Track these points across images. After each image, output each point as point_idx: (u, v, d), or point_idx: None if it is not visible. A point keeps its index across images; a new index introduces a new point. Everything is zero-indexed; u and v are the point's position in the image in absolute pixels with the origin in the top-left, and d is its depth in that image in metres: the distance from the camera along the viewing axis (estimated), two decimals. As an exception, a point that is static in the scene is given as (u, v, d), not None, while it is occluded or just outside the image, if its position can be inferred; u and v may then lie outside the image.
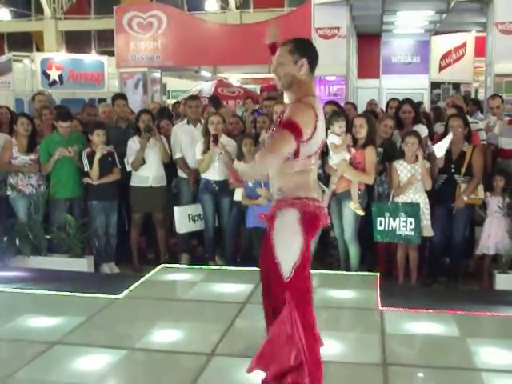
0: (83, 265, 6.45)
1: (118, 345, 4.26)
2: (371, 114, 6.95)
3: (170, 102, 14.40)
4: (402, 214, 5.81)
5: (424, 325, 4.66)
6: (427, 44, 15.59)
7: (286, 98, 3.43)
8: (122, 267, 6.80)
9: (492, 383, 3.70)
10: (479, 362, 3.99)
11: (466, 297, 5.51)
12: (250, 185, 6.10)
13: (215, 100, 9.08)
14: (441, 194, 5.95)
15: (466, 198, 5.88)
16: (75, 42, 24.32)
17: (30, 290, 5.55)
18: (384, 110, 8.15)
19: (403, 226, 5.82)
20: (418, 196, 5.89)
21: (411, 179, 5.87)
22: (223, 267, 6.47)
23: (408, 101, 6.76)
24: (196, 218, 6.71)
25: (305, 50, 3.30)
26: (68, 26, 24.20)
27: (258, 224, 6.14)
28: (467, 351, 4.18)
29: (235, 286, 5.65)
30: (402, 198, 5.91)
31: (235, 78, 16.66)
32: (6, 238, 6.49)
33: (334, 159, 5.92)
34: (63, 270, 6.32)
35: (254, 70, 15.11)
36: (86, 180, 6.49)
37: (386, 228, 5.86)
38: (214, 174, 6.52)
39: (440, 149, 5.85)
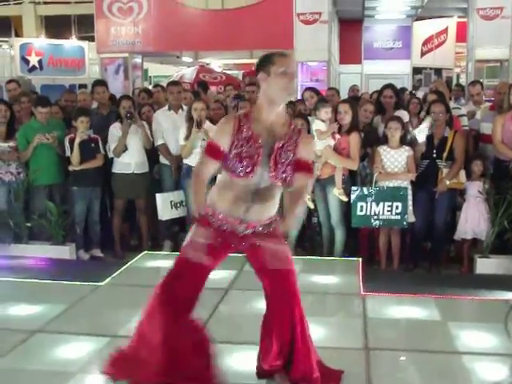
0: (65, 252, 6.40)
1: (100, 332, 4.24)
2: (354, 99, 6.95)
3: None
4: (388, 198, 5.82)
5: (406, 309, 4.70)
6: (409, 29, 15.62)
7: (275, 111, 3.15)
8: (104, 254, 6.77)
9: (473, 366, 3.73)
10: (460, 346, 4.04)
11: (447, 281, 5.56)
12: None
13: (203, 85, 9.02)
14: (423, 179, 5.97)
15: (448, 183, 5.91)
16: (55, 27, 23.95)
17: (12, 278, 5.50)
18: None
19: (388, 211, 5.83)
20: (400, 181, 5.92)
21: (403, 176, 5.89)
22: (206, 254, 6.45)
23: (389, 86, 6.76)
24: (178, 205, 6.68)
25: None
26: (47, 10, 23.80)
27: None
28: (448, 335, 4.22)
29: (218, 272, 5.55)
30: (385, 183, 5.93)
31: (217, 63, 16.58)
32: (-14, 226, 6.43)
33: (319, 145, 5.92)
34: (45, 257, 6.28)
35: (235, 55, 15.03)
36: (71, 167, 6.43)
37: (368, 213, 5.87)
38: (195, 160, 6.47)
39: (421, 133, 5.88)
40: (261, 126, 3.18)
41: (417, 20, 15.35)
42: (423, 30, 15.62)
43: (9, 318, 4.55)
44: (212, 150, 3.23)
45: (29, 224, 6.56)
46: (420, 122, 6.35)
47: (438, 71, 15.58)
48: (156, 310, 3.26)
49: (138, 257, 6.17)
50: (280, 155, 3.17)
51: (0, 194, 6.50)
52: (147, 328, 3.29)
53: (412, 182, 5.96)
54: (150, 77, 18.43)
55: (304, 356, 3.35)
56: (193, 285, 3.30)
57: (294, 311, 3.32)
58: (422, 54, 15.69)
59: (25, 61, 14.85)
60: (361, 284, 5.22)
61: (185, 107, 6.75)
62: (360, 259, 5.89)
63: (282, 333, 3.35)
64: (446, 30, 15.68)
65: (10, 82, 8.34)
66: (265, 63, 3.15)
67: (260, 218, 3.29)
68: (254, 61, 15.44)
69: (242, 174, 3.15)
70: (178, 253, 3.94)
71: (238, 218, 3.24)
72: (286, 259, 3.31)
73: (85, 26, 22.16)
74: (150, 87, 10.07)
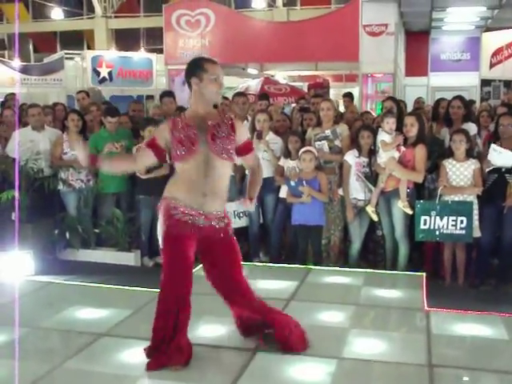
0: (130, 258, 6.56)
1: (163, 338, 4.30)
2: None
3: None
4: (453, 212, 5.70)
5: (471, 326, 4.57)
6: (478, 41, 15.30)
7: None
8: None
9: (542, 388, 3.61)
10: (529, 366, 3.90)
11: (515, 299, 5.39)
12: (293, 183, 6.10)
13: (265, 98, 9.06)
14: (491, 194, 5.82)
15: (517, 197, 5.75)
16: (125, 39, 24.69)
17: (79, 282, 5.68)
18: (432, 108, 8.04)
19: (452, 225, 5.70)
20: (466, 195, 5.79)
21: (468, 190, 5.77)
22: (268, 264, 6.49)
23: (458, 97, 6.66)
24: (241, 215, 6.73)
25: None
26: (118, 24, 24.58)
27: (303, 222, 6.14)
28: (516, 354, 4.09)
29: (280, 282, 5.66)
30: (450, 197, 5.81)
31: (282, 75, 16.63)
32: (56, 231, 6.66)
33: (383, 157, 5.88)
34: (111, 263, 6.44)
35: (300, 67, 15.05)
36: (138, 173, 6.58)
37: (432, 227, 5.76)
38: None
39: (499, 155, 5.69)
40: (194, 117, 3.74)
41: (486, 31, 15.02)
42: (492, 41, 15.25)
43: (76, 321, 4.68)
44: (150, 142, 3.82)
45: (96, 230, 6.76)
46: (490, 135, 6.23)
47: (508, 83, 15.14)
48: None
49: (201, 265, 6.23)
50: (216, 130, 3.70)
51: (70, 201, 6.75)
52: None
53: (479, 197, 5.83)
54: (216, 88, 18.68)
55: None
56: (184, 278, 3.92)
57: None
58: (491, 65, 15.31)
59: (96, 72, 15.34)
60: (425, 299, 5.12)
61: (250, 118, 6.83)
62: (424, 274, 5.79)
63: None
64: (516, 41, 15.27)
65: (79, 92, 8.65)
66: (197, 70, 3.71)
67: (215, 209, 3.80)
68: (319, 72, 15.46)
69: (185, 154, 3.65)
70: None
71: (197, 209, 3.73)
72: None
73: (153, 38, 22.76)
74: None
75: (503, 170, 5.80)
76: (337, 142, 6.34)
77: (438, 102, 7.52)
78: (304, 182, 6.03)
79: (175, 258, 3.83)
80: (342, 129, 6.41)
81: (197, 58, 3.82)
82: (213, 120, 3.74)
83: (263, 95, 9.23)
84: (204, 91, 3.70)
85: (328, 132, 6.35)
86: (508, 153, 5.70)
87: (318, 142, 6.35)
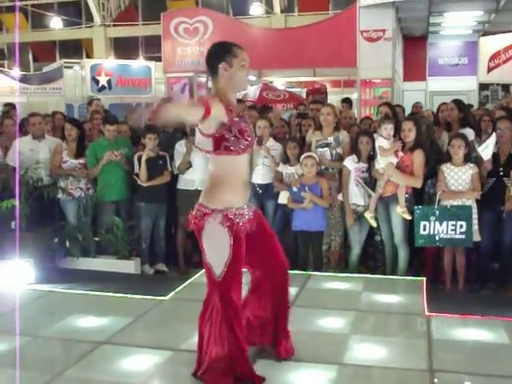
0: (130, 266, 6.55)
1: (163, 345, 4.30)
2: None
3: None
4: (452, 217, 5.70)
5: (472, 331, 4.57)
6: (475, 45, 15.36)
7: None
8: (168, 269, 6.90)
9: (543, 392, 3.60)
10: (530, 370, 3.89)
11: (515, 303, 5.38)
12: (295, 189, 6.10)
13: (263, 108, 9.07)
14: (489, 198, 5.82)
15: (516, 201, 5.75)
16: (123, 48, 24.72)
17: (79, 291, 5.67)
18: (433, 112, 8.06)
19: (452, 230, 5.70)
20: (464, 200, 5.79)
21: (467, 194, 5.77)
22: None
23: (454, 100, 6.71)
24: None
25: None
26: (117, 32, 24.61)
27: (305, 228, 6.14)
28: (517, 359, 4.08)
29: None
30: (449, 202, 5.82)
31: (280, 81, 16.68)
32: (56, 240, 6.65)
33: (381, 163, 5.88)
34: (111, 271, 6.44)
35: (299, 73, 15.08)
36: (139, 182, 6.58)
37: (431, 232, 5.76)
38: (257, 177, 6.52)
39: (486, 150, 5.72)
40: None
41: (483, 35, 15.08)
42: (490, 45, 15.31)
43: (76, 330, 4.67)
44: (204, 101, 3.30)
45: (96, 238, 6.75)
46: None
47: (506, 87, 15.18)
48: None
49: (201, 272, 6.21)
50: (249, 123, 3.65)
51: (70, 209, 6.75)
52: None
53: (478, 201, 5.83)
54: (214, 95, 18.72)
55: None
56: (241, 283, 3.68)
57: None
58: (489, 69, 15.36)
59: (95, 81, 15.38)
60: (425, 304, 5.12)
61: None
62: (424, 279, 5.78)
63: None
64: (514, 45, 15.33)
65: (95, 99, 8.77)
66: (227, 54, 3.45)
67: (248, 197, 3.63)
68: (317, 78, 15.49)
69: (243, 147, 3.45)
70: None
71: (245, 202, 3.58)
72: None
73: (152, 46, 22.80)
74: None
75: (501, 173, 5.81)
76: (339, 150, 6.33)
77: (439, 106, 7.56)
78: (306, 188, 6.03)
79: (239, 271, 3.63)
80: (344, 136, 6.41)
81: (224, 43, 3.56)
82: (240, 108, 3.71)
83: (253, 106, 9.20)
84: (234, 77, 3.47)
85: (331, 139, 6.34)
86: (490, 140, 5.73)
87: (320, 149, 6.34)
